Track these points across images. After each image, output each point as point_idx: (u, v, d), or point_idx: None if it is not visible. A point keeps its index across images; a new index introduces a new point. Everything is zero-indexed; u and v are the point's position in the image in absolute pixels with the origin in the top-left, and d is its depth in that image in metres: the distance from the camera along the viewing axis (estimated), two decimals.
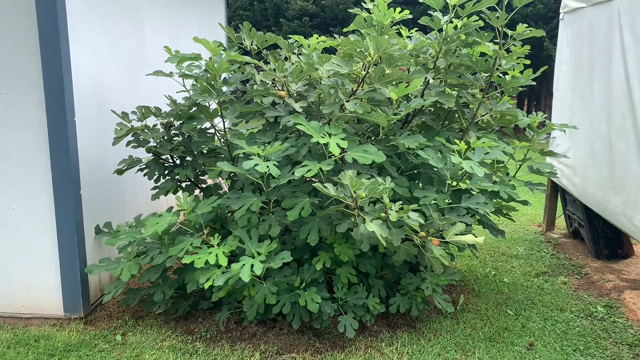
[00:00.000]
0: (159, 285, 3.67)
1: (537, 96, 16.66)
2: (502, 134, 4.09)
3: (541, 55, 13.99)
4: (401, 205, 3.04)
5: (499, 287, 4.45)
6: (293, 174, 3.07)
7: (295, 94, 3.50)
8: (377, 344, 3.47)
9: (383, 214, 3.02)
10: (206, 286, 3.08)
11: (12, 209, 3.64)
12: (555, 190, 6.08)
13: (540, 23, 14.58)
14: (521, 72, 3.79)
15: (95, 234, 3.89)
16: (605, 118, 4.34)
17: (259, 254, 3.19)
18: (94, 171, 3.91)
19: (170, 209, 3.66)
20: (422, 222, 3.00)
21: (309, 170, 2.99)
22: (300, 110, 3.23)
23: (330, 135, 3.11)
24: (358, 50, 3.28)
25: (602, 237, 5.11)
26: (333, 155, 3.01)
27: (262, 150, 3.13)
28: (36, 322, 3.74)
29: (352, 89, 3.40)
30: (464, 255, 5.23)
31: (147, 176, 3.87)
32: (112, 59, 4.26)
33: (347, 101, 3.22)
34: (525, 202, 3.86)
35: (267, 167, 3.03)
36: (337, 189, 3.00)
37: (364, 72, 3.35)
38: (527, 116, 3.94)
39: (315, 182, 3.28)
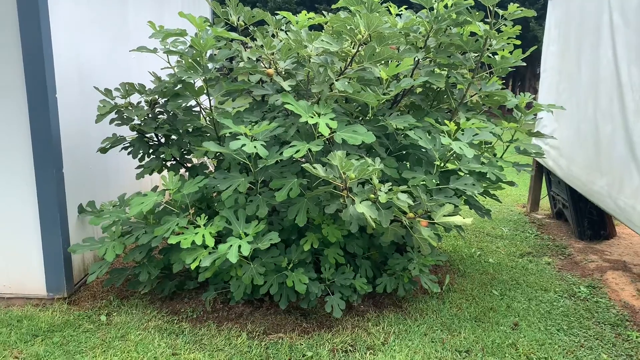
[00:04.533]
0: (144, 265, 3.63)
1: (522, 77, 16.71)
2: (489, 115, 4.07)
3: (527, 36, 13.99)
4: (390, 187, 3.02)
5: (484, 268, 4.48)
6: (281, 154, 3.03)
7: (283, 72, 3.43)
8: (364, 324, 3.48)
9: (372, 195, 3.00)
10: (192, 267, 3.05)
11: None
12: (540, 172, 6.12)
13: (527, 4, 14.54)
14: (510, 53, 3.77)
15: (78, 213, 3.82)
16: (592, 100, 4.35)
17: (246, 234, 3.15)
18: (76, 149, 3.82)
19: (155, 189, 3.60)
20: (411, 203, 2.99)
21: (297, 151, 2.95)
22: (288, 89, 3.17)
23: (319, 115, 3.06)
24: (348, 27, 3.22)
25: (586, 218, 5.17)
26: (322, 135, 2.96)
27: (250, 129, 3.07)
28: (18, 302, 3.68)
29: (341, 67, 3.34)
30: (449, 236, 5.26)
31: (131, 155, 3.79)
32: (95, 34, 4.13)
33: (336, 80, 3.16)
34: (512, 183, 3.87)
35: (255, 147, 2.98)
36: (326, 169, 2.96)
37: (353, 51, 3.29)
38: (515, 97, 3.92)
39: (303, 162, 3.24)
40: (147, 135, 3.85)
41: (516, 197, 6.98)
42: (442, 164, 3.48)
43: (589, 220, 5.16)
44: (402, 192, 3.00)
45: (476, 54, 3.75)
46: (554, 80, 5.41)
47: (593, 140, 4.32)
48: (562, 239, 5.22)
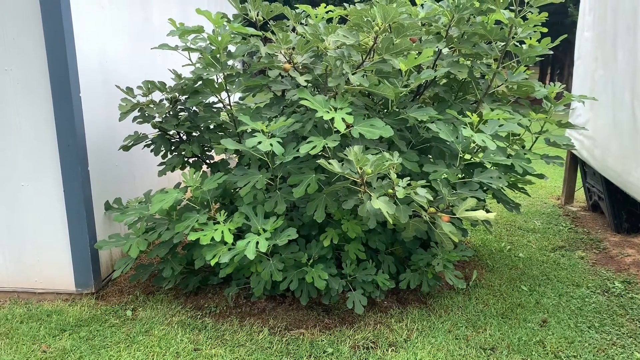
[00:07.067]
0: (168, 261, 3.67)
1: (561, 65, 16.19)
2: (518, 105, 3.94)
3: (565, 22, 13.54)
4: (409, 181, 2.96)
5: (513, 262, 4.36)
6: (298, 150, 3.00)
7: (300, 67, 3.40)
8: (386, 320, 3.43)
9: (390, 190, 2.94)
10: (212, 263, 3.06)
11: (22, 186, 3.65)
12: (575, 163, 5.91)
13: None
14: (539, 41, 3.62)
15: (105, 210, 3.89)
16: (629, 87, 4.15)
17: (264, 230, 3.14)
18: (101, 147, 3.89)
19: (177, 185, 3.63)
20: (431, 198, 2.91)
21: (314, 147, 2.91)
22: (304, 83, 3.14)
23: (336, 109, 3.01)
24: (365, 19, 3.16)
25: (623, 211, 4.96)
26: (339, 130, 2.92)
27: (266, 126, 3.05)
28: (49, 297, 3.78)
29: (360, 60, 3.28)
30: (478, 230, 5.14)
31: (153, 152, 3.83)
32: (118, 32, 4.19)
33: (353, 73, 3.11)
34: (541, 176, 3.74)
35: (271, 144, 2.96)
36: (342, 165, 2.92)
37: (371, 43, 3.23)
38: (545, 87, 3.78)
39: (325, 156, 3.20)
40: (169, 133, 3.89)
41: (550, 189, 6.77)
42: (470, 157, 3.38)
43: (627, 213, 4.95)
44: (422, 186, 2.93)
45: (502, 43, 3.63)
46: (589, 67, 5.20)
47: (630, 129, 4.13)
48: (598, 232, 5.02)
